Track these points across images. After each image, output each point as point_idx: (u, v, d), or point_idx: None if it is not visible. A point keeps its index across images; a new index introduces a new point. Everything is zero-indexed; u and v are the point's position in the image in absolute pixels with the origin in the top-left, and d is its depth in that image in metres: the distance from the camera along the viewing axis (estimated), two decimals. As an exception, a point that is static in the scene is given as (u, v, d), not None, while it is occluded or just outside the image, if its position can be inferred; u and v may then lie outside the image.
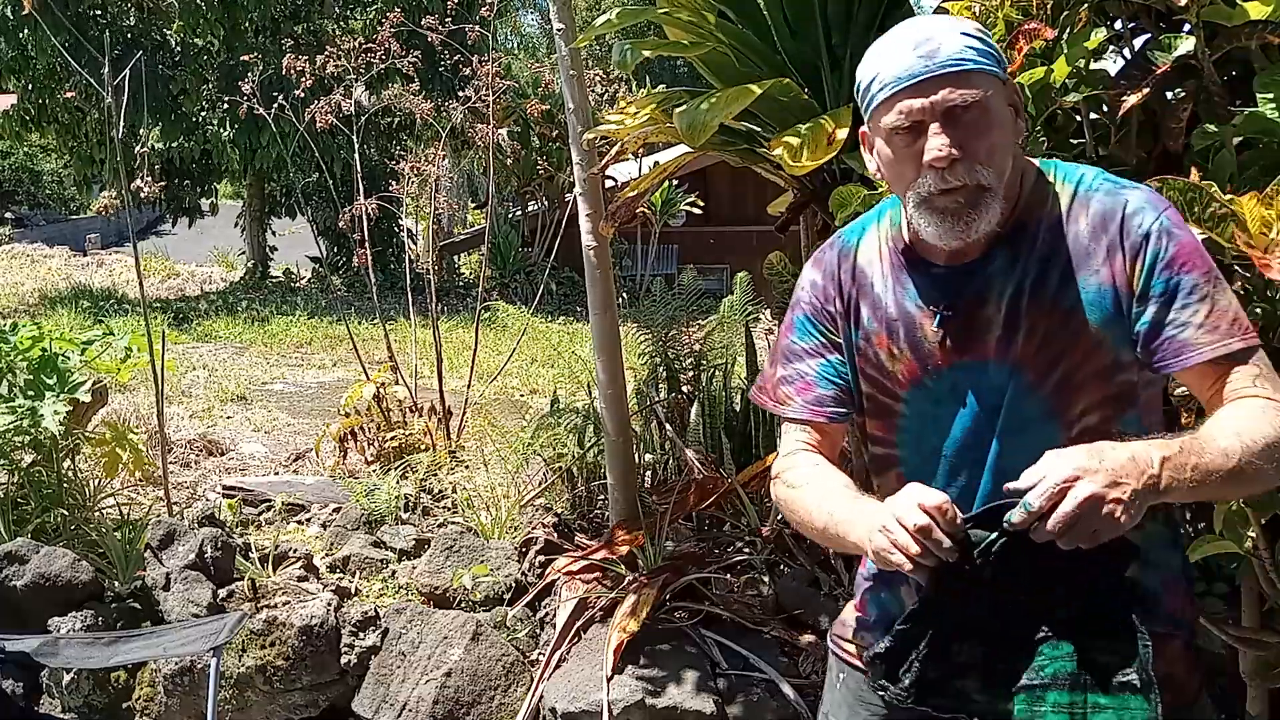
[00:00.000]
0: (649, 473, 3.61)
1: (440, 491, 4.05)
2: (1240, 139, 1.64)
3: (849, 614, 1.58)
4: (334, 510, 3.94)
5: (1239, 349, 1.24)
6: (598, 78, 8.33)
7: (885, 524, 1.18)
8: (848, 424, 1.48)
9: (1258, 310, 1.37)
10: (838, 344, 1.43)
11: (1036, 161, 1.36)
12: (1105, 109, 1.82)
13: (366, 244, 4.95)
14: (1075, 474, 1.10)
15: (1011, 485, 1.15)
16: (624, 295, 10.42)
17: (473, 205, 18.48)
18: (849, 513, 1.30)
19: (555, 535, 3.51)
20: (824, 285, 1.44)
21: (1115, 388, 1.31)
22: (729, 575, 3.18)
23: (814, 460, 1.43)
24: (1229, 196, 1.28)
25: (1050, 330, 1.29)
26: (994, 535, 1.17)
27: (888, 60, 1.27)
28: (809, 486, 1.39)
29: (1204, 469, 1.15)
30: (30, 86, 12.34)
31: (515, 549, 3.43)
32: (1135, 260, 1.26)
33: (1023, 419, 1.31)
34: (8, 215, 22.49)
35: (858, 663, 1.52)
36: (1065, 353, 1.29)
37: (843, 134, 2.04)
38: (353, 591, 3.31)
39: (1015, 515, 1.12)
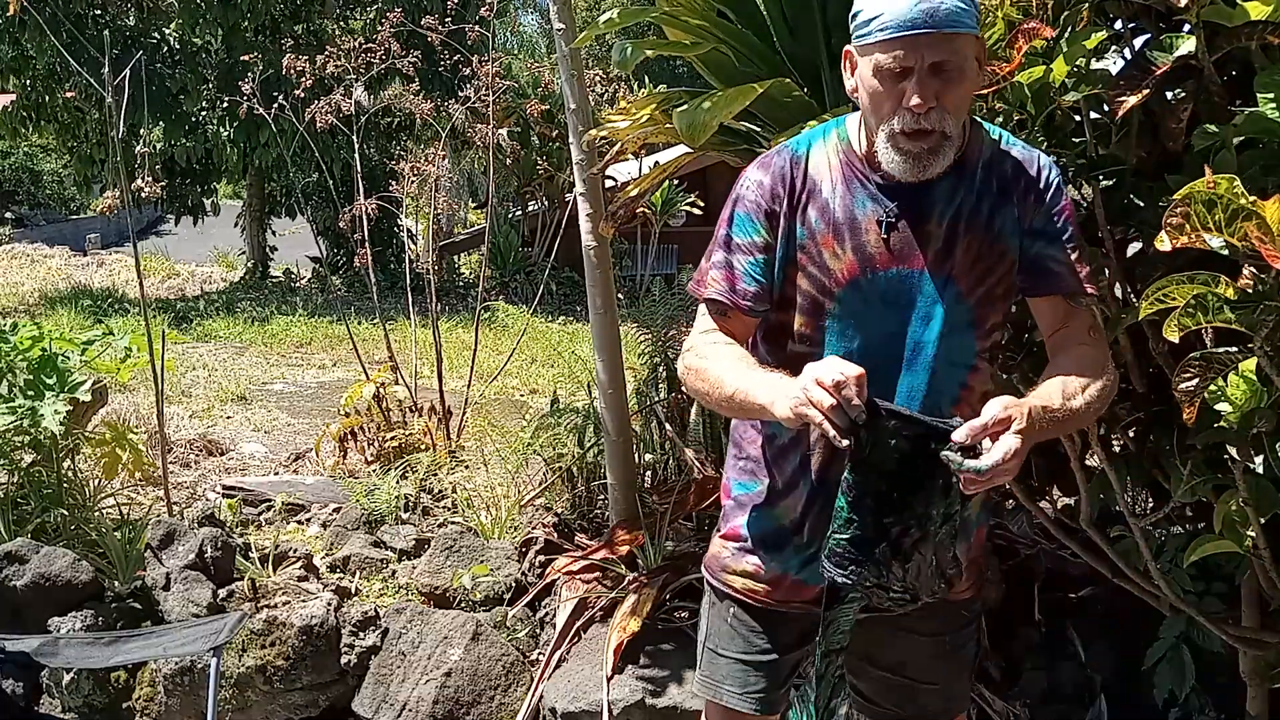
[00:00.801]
0: (649, 473, 3.61)
1: (440, 491, 4.04)
2: (1240, 139, 1.64)
3: (723, 546, 1.74)
4: (334, 510, 3.93)
5: (1089, 295, 1.55)
6: (598, 78, 8.31)
7: (804, 384, 1.34)
8: (756, 323, 1.63)
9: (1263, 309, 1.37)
10: (770, 245, 1.57)
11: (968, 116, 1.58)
12: (1105, 109, 1.82)
13: (367, 244, 4.95)
14: (1014, 431, 1.33)
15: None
16: (623, 295, 10.41)
17: (473, 205, 18.48)
18: (760, 379, 1.46)
19: (555, 535, 3.51)
20: (770, 186, 1.57)
21: (1009, 306, 1.61)
22: (729, 575, 3.17)
23: (726, 340, 1.58)
24: (1252, 199, 1.28)
25: (981, 250, 1.52)
26: (898, 427, 1.35)
27: (892, 3, 1.40)
28: (720, 359, 1.54)
29: (1059, 420, 1.44)
30: (30, 86, 12.33)
31: (515, 549, 3.43)
32: (1040, 202, 1.53)
33: (950, 325, 1.53)
34: (8, 215, 22.48)
35: (746, 598, 1.69)
36: (990, 270, 1.54)
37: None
38: (353, 591, 3.31)
39: (959, 434, 1.32)
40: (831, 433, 1.32)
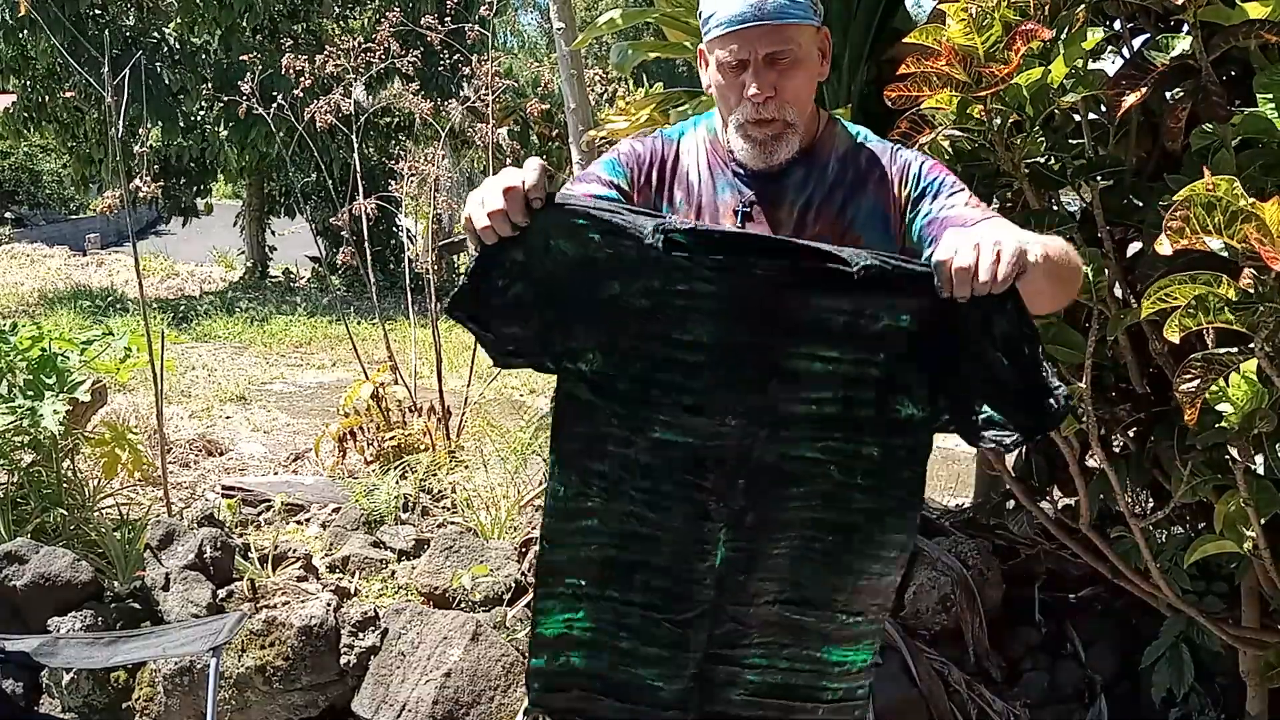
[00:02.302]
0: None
1: (440, 491, 4.04)
2: (1239, 139, 1.64)
3: None
4: (333, 510, 3.93)
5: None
6: (598, 78, 8.31)
7: (475, 196, 1.35)
8: None
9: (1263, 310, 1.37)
10: (626, 193, 1.61)
11: (826, 113, 1.65)
12: (1104, 109, 1.82)
13: (365, 243, 4.94)
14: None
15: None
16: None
17: (473, 205, 18.45)
18: (470, 202, 1.40)
19: (555, 535, 3.50)
20: (644, 154, 1.65)
21: None
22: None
23: None
24: (1251, 201, 1.28)
25: (830, 239, 1.50)
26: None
27: (725, 1, 1.49)
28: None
29: (1053, 261, 1.35)
30: (30, 86, 12.32)
31: (515, 549, 3.43)
32: (901, 183, 1.56)
33: None
34: (8, 215, 22.44)
35: None
36: None
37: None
38: (352, 592, 3.31)
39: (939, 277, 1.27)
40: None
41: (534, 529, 3.58)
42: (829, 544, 1.43)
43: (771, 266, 1.31)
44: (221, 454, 5.09)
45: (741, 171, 1.59)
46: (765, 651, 1.49)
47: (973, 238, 1.26)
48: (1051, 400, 1.30)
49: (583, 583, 1.47)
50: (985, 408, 1.35)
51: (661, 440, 1.40)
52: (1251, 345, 1.41)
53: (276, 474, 4.67)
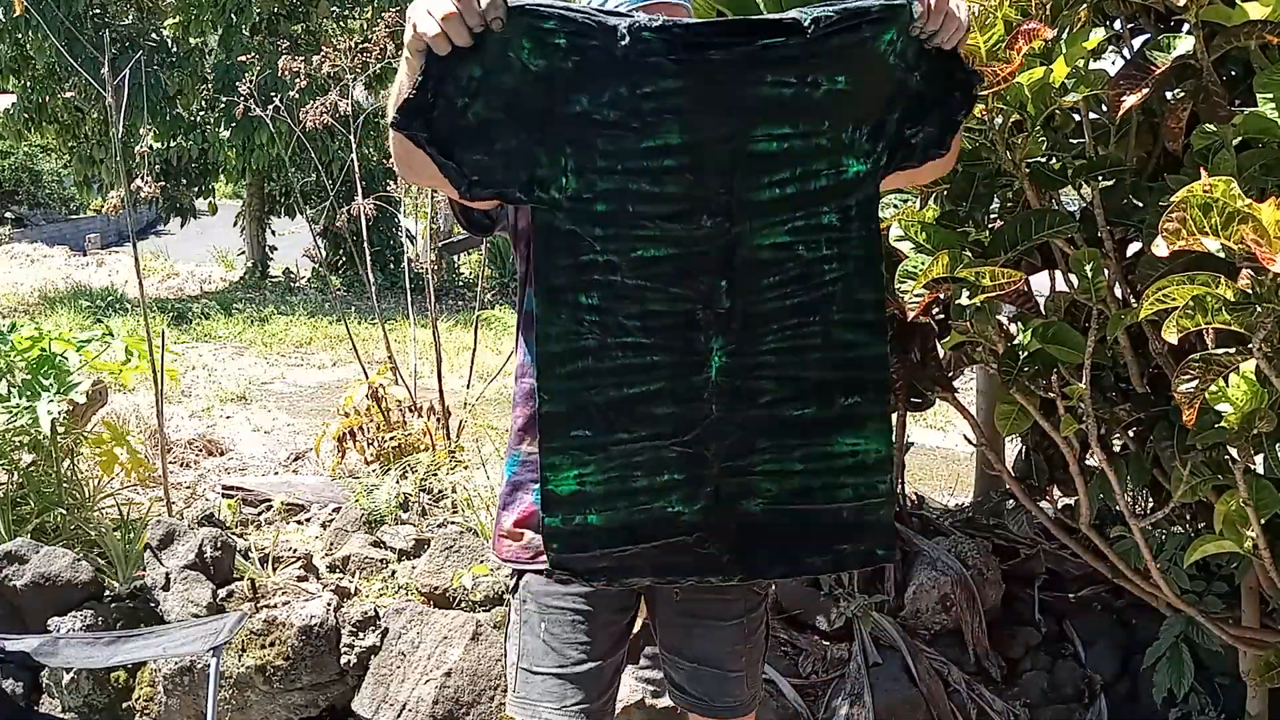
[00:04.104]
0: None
1: (440, 491, 4.04)
2: (1240, 139, 1.64)
3: (512, 524, 1.65)
4: (334, 510, 3.93)
5: None
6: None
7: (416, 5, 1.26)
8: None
9: (1260, 311, 1.37)
10: None
11: None
12: (1104, 109, 1.82)
13: (365, 243, 4.94)
14: None
15: None
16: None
17: (472, 205, 18.44)
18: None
19: (555, 535, 3.50)
20: None
21: None
22: (729, 575, 3.17)
23: None
24: (1248, 202, 1.28)
25: None
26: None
27: None
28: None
29: None
30: (30, 86, 12.32)
31: (515, 549, 3.43)
32: None
33: None
34: (8, 215, 22.46)
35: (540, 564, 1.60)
36: None
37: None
38: (352, 591, 3.31)
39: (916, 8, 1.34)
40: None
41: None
42: (811, 326, 1.45)
43: (728, 50, 1.31)
44: (221, 454, 5.09)
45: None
46: (776, 455, 1.48)
47: None
48: (966, 77, 1.43)
49: (588, 433, 1.43)
50: (915, 129, 1.45)
51: (645, 258, 1.38)
52: (1250, 346, 1.41)
53: (276, 474, 4.68)
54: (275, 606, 3.08)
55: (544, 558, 1.54)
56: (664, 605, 1.76)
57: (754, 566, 1.54)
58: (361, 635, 3.02)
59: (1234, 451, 1.63)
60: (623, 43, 1.29)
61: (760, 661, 1.85)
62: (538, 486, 1.49)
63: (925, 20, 1.34)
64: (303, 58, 4.97)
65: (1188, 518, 2.36)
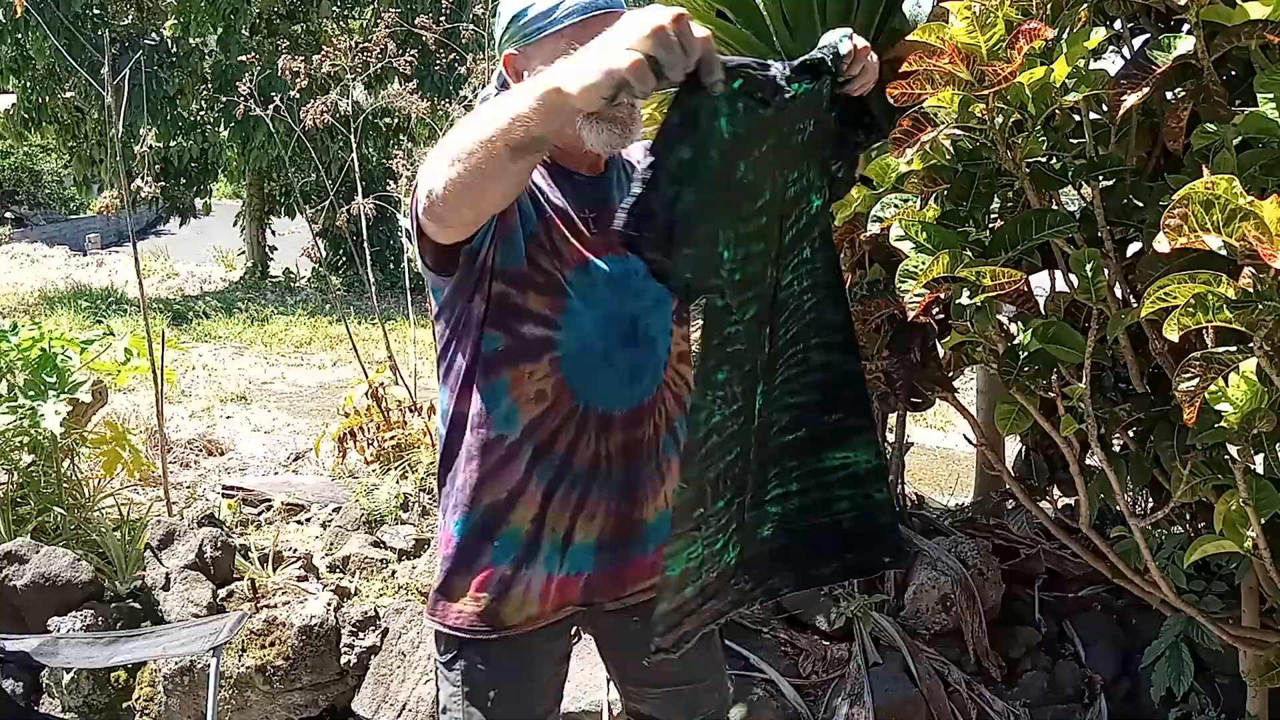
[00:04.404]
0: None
1: (440, 491, 4.04)
2: (1240, 139, 1.64)
3: (470, 588, 1.60)
4: (334, 510, 3.94)
5: None
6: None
7: (646, 22, 1.13)
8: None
9: (1262, 309, 1.37)
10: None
11: None
12: (1105, 108, 1.82)
13: (364, 243, 4.94)
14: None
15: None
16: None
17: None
18: (544, 78, 1.19)
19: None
20: None
21: None
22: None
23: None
24: (1250, 199, 1.28)
25: None
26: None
27: None
28: (472, 124, 1.30)
29: None
30: (30, 87, 12.32)
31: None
32: None
33: (655, 299, 1.59)
34: (8, 215, 22.46)
35: (520, 629, 1.60)
36: None
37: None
38: (352, 591, 3.31)
39: (843, 47, 1.33)
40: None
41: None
42: (798, 354, 1.49)
43: (793, 98, 1.29)
44: (222, 454, 5.09)
45: (575, 174, 1.59)
46: (780, 480, 1.52)
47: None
48: (873, 120, 1.47)
49: (703, 509, 1.39)
50: (838, 164, 1.50)
51: (749, 318, 1.34)
52: (1251, 344, 1.41)
53: (277, 474, 4.68)
54: (275, 606, 3.08)
55: (500, 624, 1.56)
56: (617, 640, 1.76)
57: (770, 587, 1.57)
58: (361, 635, 3.02)
59: (1234, 451, 1.63)
60: (786, 95, 1.24)
61: (724, 668, 1.87)
62: (498, 545, 1.53)
63: (851, 59, 1.35)
64: (302, 58, 4.98)
65: (1188, 517, 2.35)
